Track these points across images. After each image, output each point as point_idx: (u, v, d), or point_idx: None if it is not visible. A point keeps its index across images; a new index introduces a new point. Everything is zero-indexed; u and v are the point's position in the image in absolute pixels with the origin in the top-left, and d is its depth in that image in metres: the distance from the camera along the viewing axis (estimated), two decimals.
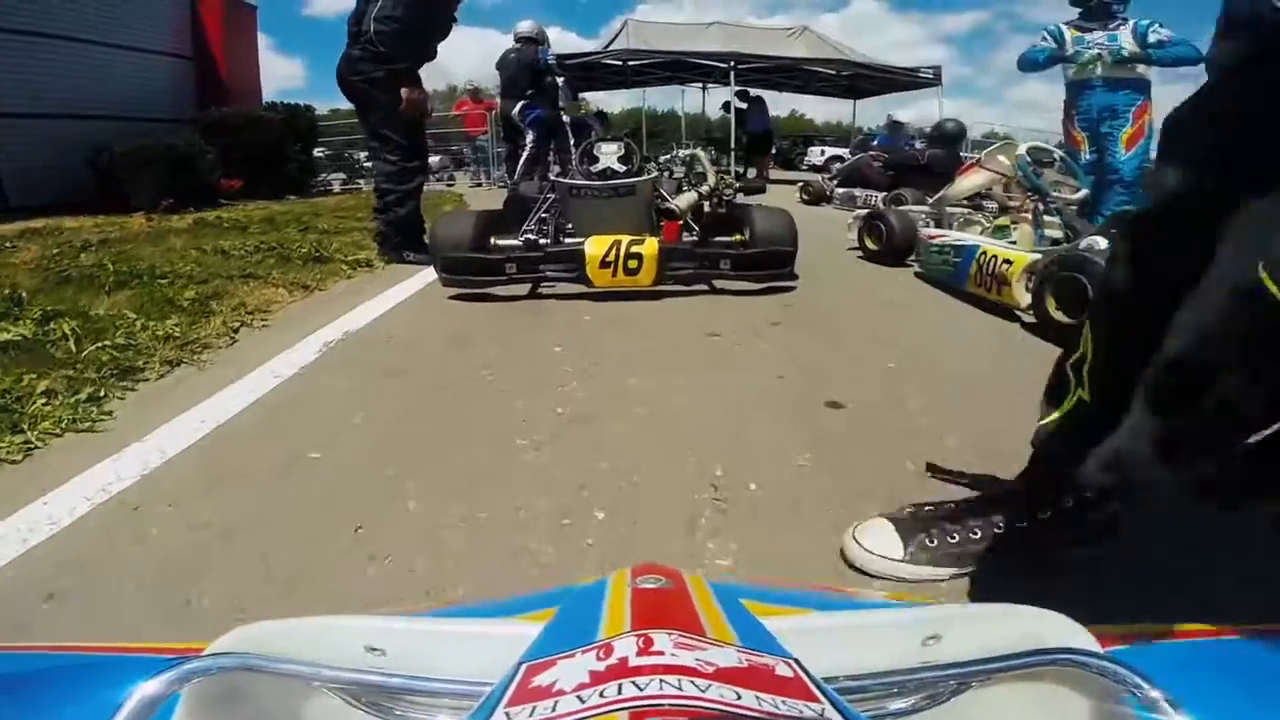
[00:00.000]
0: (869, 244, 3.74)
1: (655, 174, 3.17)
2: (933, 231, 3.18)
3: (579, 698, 0.22)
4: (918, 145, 7.54)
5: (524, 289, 2.77)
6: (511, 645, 0.29)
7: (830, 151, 19.38)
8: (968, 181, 3.58)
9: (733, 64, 10.60)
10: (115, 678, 0.32)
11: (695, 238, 3.01)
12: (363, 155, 11.49)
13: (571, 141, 5.90)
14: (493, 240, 2.94)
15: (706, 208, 3.04)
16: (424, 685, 0.30)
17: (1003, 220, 3.22)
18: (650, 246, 2.62)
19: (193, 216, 5.29)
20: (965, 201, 3.65)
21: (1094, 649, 0.29)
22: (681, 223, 2.96)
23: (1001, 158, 3.33)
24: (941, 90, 11.82)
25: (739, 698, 0.21)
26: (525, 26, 6.30)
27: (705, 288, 2.82)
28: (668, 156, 4.05)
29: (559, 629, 0.31)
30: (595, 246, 2.61)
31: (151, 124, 7.00)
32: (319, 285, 3.01)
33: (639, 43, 10.92)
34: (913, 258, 3.36)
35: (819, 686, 0.24)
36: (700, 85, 14.78)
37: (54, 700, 0.33)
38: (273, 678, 0.29)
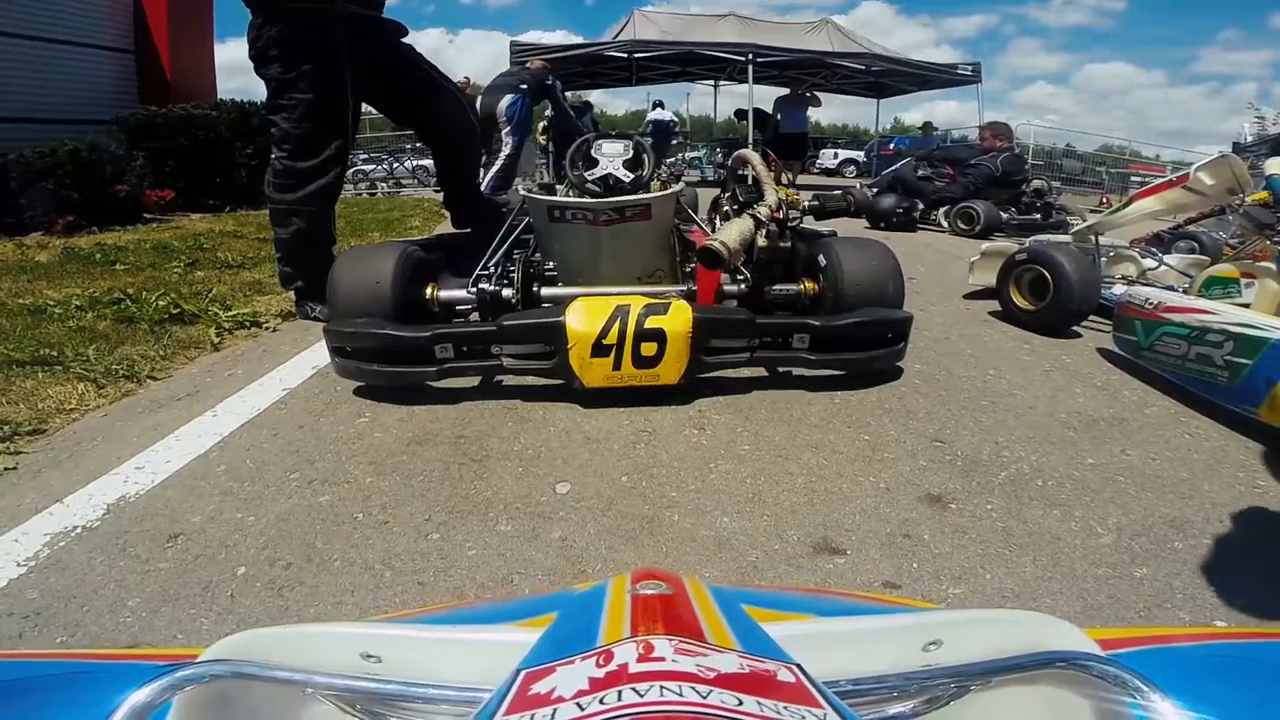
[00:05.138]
0: (1020, 300, 2.58)
1: (680, 186, 2.02)
2: (1173, 299, 1.96)
3: (578, 705, 0.22)
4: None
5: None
6: (510, 651, 0.30)
7: (844, 154, 18.37)
8: (1148, 204, 2.49)
9: (751, 56, 9.49)
10: (106, 686, 0.32)
11: (743, 287, 1.86)
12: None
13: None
14: (432, 291, 1.81)
15: (762, 240, 1.88)
16: (420, 692, 0.30)
17: (1225, 270, 2.11)
18: (679, 315, 1.50)
19: (89, 238, 4.22)
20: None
21: (1094, 652, 0.30)
22: (725, 267, 1.79)
23: (1206, 177, 2.20)
24: (981, 90, 10.69)
25: (740, 704, 0.22)
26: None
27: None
28: (673, 160, 2.88)
29: (558, 635, 0.32)
30: (586, 315, 1.48)
31: (65, 126, 5.96)
32: (153, 372, 2.03)
33: (646, 34, 9.78)
34: (1116, 332, 2.18)
35: (821, 691, 0.24)
36: (711, 82, 13.62)
37: (44, 709, 0.33)
38: (266, 685, 0.29)
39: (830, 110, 50.02)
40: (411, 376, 1.69)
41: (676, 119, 7.56)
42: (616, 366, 1.58)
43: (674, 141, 10.78)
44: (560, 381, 1.70)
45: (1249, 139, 10.06)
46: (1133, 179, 12.48)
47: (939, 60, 12.79)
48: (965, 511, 1.31)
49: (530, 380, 1.85)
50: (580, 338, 1.57)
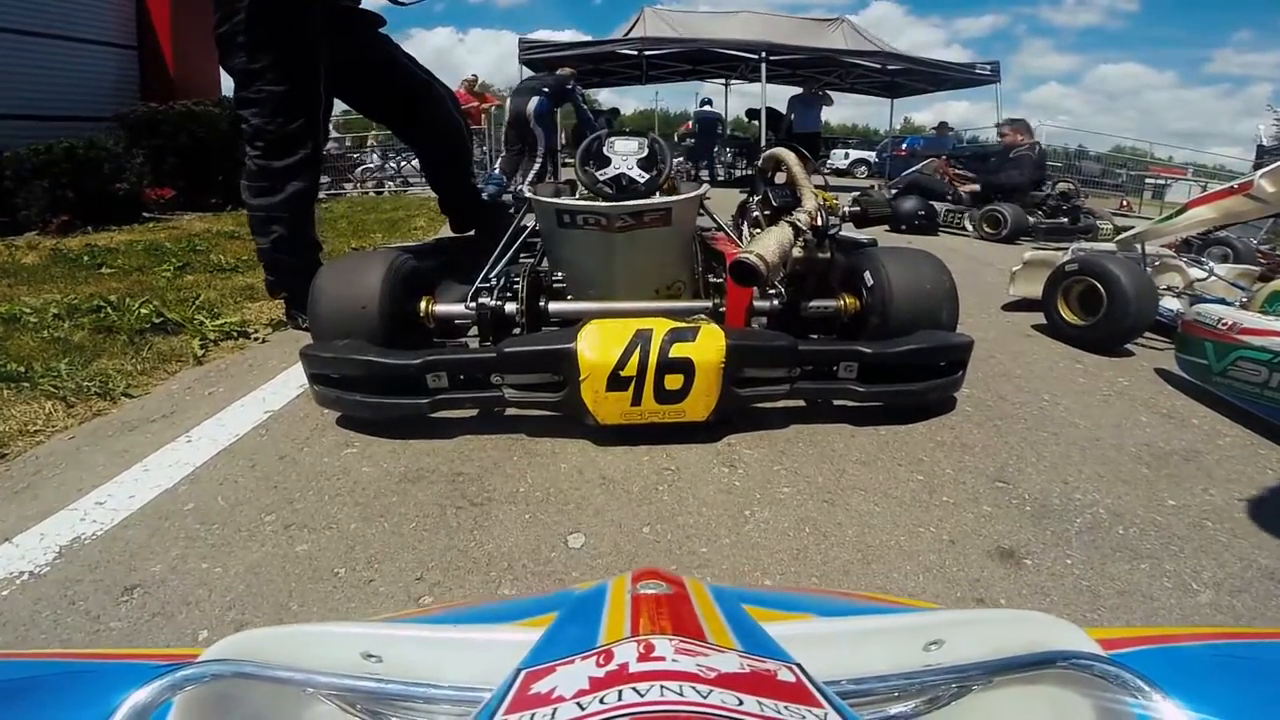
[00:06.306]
0: (1069, 314, 2.38)
1: (704, 189, 1.84)
2: (1250, 320, 1.75)
3: (579, 704, 0.22)
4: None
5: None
6: (510, 651, 0.30)
7: (855, 155, 18.15)
8: (1203, 213, 2.30)
9: (764, 55, 9.27)
10: (107, 685, 0.32)
11: (777, 303, 1.68)
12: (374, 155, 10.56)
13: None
14: (427, 306, 1.63)
15: (798, 250, 1.70)
16: (421, 692, 0.30)
17: None
18: (709, 342, 1.32)
19: (81, 239, 4.08)
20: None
21: (1096, 652, 0.29)
22: (761, 284, 1.60)
23: (1268, 184, 2.03)
24: (1000, 89, 10.45)
25: (741, 703, 0.21)
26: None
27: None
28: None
29: (558, 634, 0.31)
30: (601, 341, 1.30)
31: (66, 123, 5.83)
32: (128, 389, 1.86)
33: (657, 32, 9.59)
34: (1180, 353, 1.98)
35: (821, 691, 0.24)
36: (723, 81, 13.40)
37: (44, 709, 0.33)
38: (267, 685, 0.29)
39: (840, 110, 49.65)
40: (400, 408, 1.48)
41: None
42: (636, 402, 1.37)
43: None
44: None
45: (1266, 141, 9.79)
46: (1147, 180, 12.21)
47: (950, 60, 12.56)
48: (1042, 568, 1.13)
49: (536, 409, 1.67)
50: (594, 368, 1.35)
